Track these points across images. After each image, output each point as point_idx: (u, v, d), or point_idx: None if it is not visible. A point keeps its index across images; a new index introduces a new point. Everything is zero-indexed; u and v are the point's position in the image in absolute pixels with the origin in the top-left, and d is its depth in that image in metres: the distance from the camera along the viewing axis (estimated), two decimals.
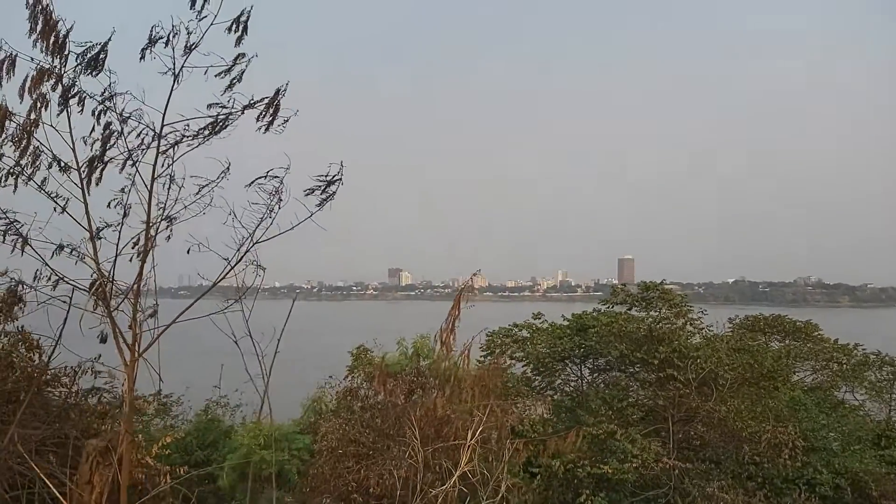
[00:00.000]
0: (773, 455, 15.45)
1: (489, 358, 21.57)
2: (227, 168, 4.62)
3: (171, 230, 4.73)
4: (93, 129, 4.30)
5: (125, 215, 4.62)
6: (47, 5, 4.02)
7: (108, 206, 4.54)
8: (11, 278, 6.94)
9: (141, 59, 4.21)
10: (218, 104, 4.46)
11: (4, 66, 4.01)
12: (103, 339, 7.60)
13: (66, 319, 7.14)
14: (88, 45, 4.13)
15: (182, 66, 4.25)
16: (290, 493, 13.26)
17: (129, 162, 4.45)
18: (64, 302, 5.47)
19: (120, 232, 4.61)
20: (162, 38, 4.15)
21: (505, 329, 22.20)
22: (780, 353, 21.36)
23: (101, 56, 4.24)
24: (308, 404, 17.12)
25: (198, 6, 4.09)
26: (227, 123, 4.52)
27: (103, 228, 4.60)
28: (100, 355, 10.11)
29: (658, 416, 18.23)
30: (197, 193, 4.63)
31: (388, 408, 10.45)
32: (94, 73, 4.26)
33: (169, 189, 4.61)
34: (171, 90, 4.29)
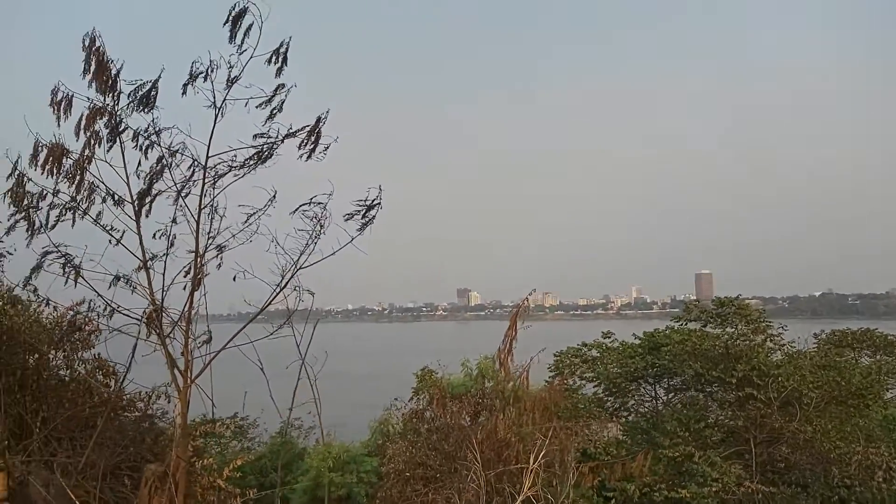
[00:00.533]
0: (865, 477, 14.47)
1: (556, 378, 21.18)
2: (274, 196, 4.71)
3: (220, 258, 4.86)
4: (139, 164, 4.48)
5: (171, 245, 4.77)
6: (100, 47, 4.22)
7: (154, 237, 4.71)
8: (90, 308, 7.30)
9: (183, 94, 4.36)
10: (264, 135, 4.57)
11: (62, 107, 4.23)
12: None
13: (135, 347, 7.42)
14: (138, 82, 4.32)
15: (224, 99, 4.39)
16: None
17: (180, 193, 4.59)
18: (118, 331, 5.71)
19: (165, 262, 4.75)
20: (202, 72, 4.29)
21: (574, 349, 21.74)
22: (871, 369, 20.00)
23: (153, 93, 4.42)
24: (375, 426, 17.19)
25: (237, 40, 4.22)
26: (271, 153, 4.62)
27: (153, 259, 4.75)
28: (171, 382, 10.46)
29: (739, 438, 17.38)
30: (245, 222, 4.73)
31: (451, 430, 10.33)
32: (146, 110, 4.45)
33: (212, 219, 4.73)
34: (215, 123, 4.42)
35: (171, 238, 4.72)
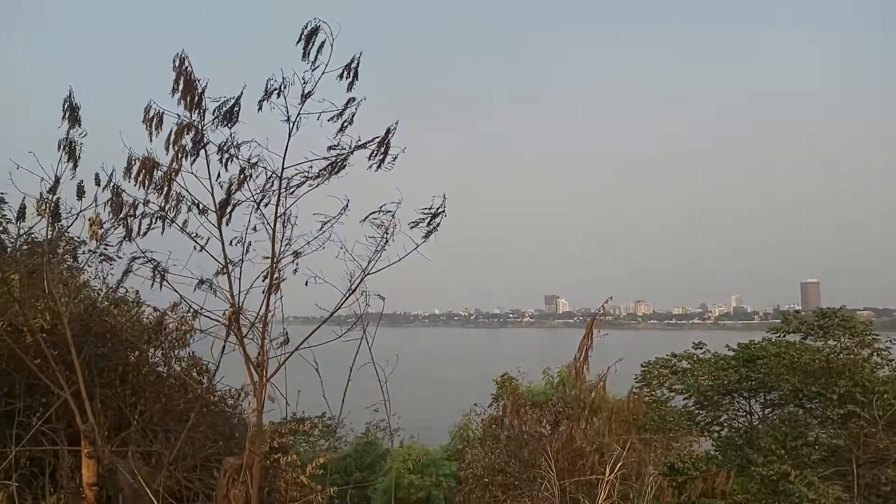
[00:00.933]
0: None
1: (644, 390, 20.61)
2: (346, 205, 4.89)
3: (297, 264, 5.10)
4: (219, 175, 4.77)
5: (246, 251, 5.05)
6: (187, 68, 4.54)
7: (231, 243, 4.98)
8: (189, 309, 7.83)
9: (259, 109, 4.61)
10: (337, 146, 4.76)
11: (154, 123, 4.58)
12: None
13: (224, 347, 7.85)
14: (222, 99, 4.62)
15: (298, 114, 4.61)
16: None
17: (259, 203, 4.86)
18: (203, 332, 6.10)
19: (241, 267, 5.03)
20: (276, 89, 4.53)
21: (663, 359, 21.10)
22: None
23: (235, 109, 4.71)
24: (455, 431, 17.31)
25: (311, 57, 4.43)
26: (344, 164, 4.81)
27: (234, 264, 5.04)
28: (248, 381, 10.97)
29: (841, 458, 16.38)
30: (320, 229, 4.94)
31: (527, 438, 10.30)
32: (230, 126, 4.74)
33: (285, 226, 4.96)
34: (290, 136, 4.65)
35: (246, 245, 4.99)
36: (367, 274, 4.97)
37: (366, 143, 4.74)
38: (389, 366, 5.84)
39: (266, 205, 4.90)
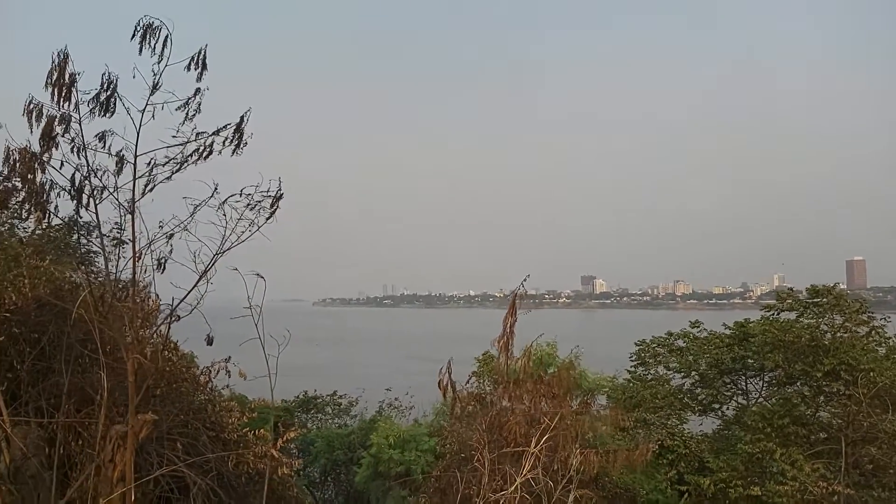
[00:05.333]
0: None
1: (640, 369, 20.66)
2: (216, 189, 5.21)
3: (171, 245, 5.42)
4: (88, 164, 5.11)
5: (115, 235, 5.44)
6: (62, 62, 4.88)
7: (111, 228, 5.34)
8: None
9: (105, 105, 4.92)
10: (205, 132, 5.08)
11: (34, 115, 4.94)
12: (210, 342, 8.76)
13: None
14: (93, 91, 4.95)
15: (146, 104, 4.91)
16: (414, 492, 13.83)
17: (111, 189, 5.20)
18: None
19: (119, 249, 5.41)
20: (109, 81, 4.83)
21: (659, 338, 21.07)
22: None
23: (113, 100, 5.05)
24: (438, 408, 17.69)
25: (157, 51, 4.74)
26: (209, 151, 5.12)
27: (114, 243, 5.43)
28: (229, 357, 11.48)
29: (833, 437, 16.24)
30: (191, 214, 5.26)
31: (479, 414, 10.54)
32: (108, 115, 5.08)
33: (132, 212, 5.29)
34: (140, 125, 4.96)
35: (115, 227, 5.36)
36: (220, 255, 5.30)
37: (219, 129, 5.04)
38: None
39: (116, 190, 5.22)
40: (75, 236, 7.63)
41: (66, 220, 5.64)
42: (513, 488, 7.97)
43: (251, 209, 5.23)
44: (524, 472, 8.06)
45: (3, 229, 10.39)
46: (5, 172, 5.05)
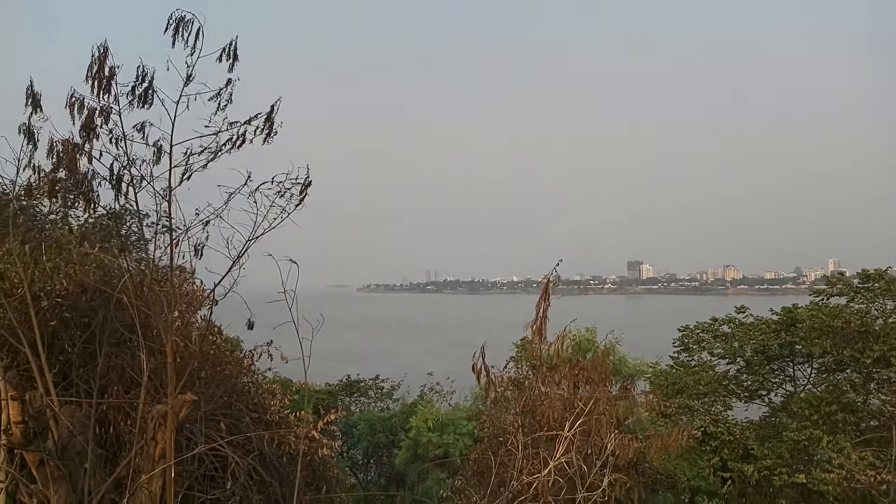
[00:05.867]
0: None
1: (683, 355, 20.38)
2: (249, 177, 5.34)
3: (207, 232, 5.59)
4: (126, 153, 5.29)
5: (155, 223, 5.64)
6: (102, 56, 5.07)
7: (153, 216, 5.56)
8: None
9: (143, 97, 5.08)
10: (238, 122, 5.22)
11: (75, 108, 5.15)
12: (251, 326, 9.02)
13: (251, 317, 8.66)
14: (131, 84, 5.13)
15: (181, 95, 5.05)
16: (452, 475, 13.98)
17: (146, 178, 5.38)
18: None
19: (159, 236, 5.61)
20: (143, 74, 4.99)
21: (704, 324, 20.71)
22: None
23: (150, 92, 5.22)
24: (477, 392, 17.78)
25: (190, 44, 4.87)
26: (242, 140, 5.25)
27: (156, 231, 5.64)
28: (271, 341, 11.80)
29: (884, 426, 15.78)
30: (226, 201, 5.41)
31: (516, 399, 10.60)
32: (147, 107, 5.26)
33: (170, 200, 5.45)
34: (175, 116, 5.10)
35: (158, 216, 5.55)
36: (252, 241, 5.45)
37: (250, 118, 5.17)
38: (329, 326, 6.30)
39: (153, 179, 5.40)
40: (121, 224, 7.91)
41: (110, 209, 5.88)
42: (546, 471, 8.01)
43: (281, 196, 5.37)
44: (557, 456, 8.09)
45: (56, 217, 10.81)
46: (51, 163, 5.29)
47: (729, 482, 16.48)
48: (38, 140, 5.90)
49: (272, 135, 5.22)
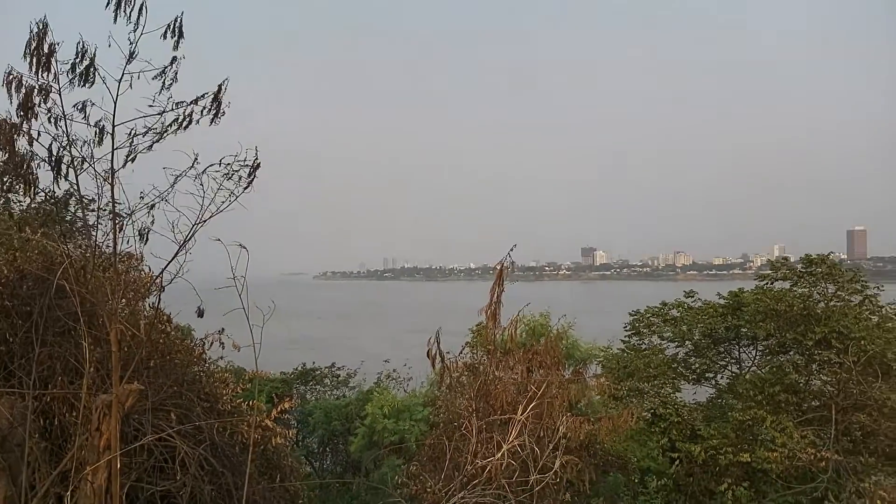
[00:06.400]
0: None
1: (634, 339, 20.81)
2: (196, 158, 5.21)
3: (152, 216, 5.46)
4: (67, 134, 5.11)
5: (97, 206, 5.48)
6: (41, 32, 4.86)
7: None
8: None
9: (84, 75, 4.90)
10: (184, 102, 5.09)
11: (13, 86, 4.94)
12: (200, 314, 8.85)
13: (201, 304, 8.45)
14: (76, 60, 4.93)
15: (123, 73, 4.90)
16: (408, 461, 14.03)
17: (87, 159, 5.20)
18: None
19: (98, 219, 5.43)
20: (83, 50, 4.83)
21: (654, 308, 21.17)
22: None
23: (92, 70, 5.04)
24: (433, 378, 17.85)
25: (133, 19, 4.72)
26: (188, 121, 5.13)
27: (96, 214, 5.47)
28: (223, 329, 11.60)
29: (824, 405, 16.43)
30: (171, 184, 5.28)
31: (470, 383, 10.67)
32: (88, 86, 5.08)
33: (112, 182, 5.31)
34: (117, 95, 4.95)
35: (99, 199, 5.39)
36: (199, 224, 5.33)
37: (196, 98, 5.05)
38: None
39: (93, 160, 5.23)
40: (65, 208, 7.64)
41: (51, 192, 5.68)
42: (499, 455, 8.10)
43: (228, 179, 5.25)
44: (511, 440, 8.18)
45: None
46: None
47: (677, 462, 16.93)
48: None
49: (219, 115, 5.11)
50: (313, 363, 26.11)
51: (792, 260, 20.17)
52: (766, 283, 18.62)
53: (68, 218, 8.24)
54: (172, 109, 5.04)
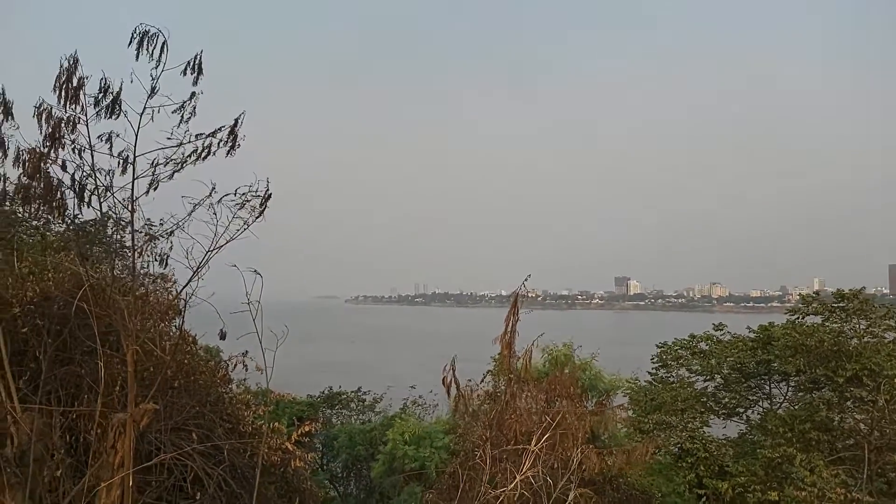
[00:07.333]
0: None
1: (661, 371, 20.51)
2: (213, 188, 5.43)
3: (171, 242, 5.68)
4: (92, 164, 5.37)
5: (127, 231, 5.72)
6: (72, 67, 5.16)
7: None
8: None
9: (111, 108, 5.16)
10: (202, 134, 5.31)
11: (43, 117, 5.23)
12: (223, 336, 9.05)
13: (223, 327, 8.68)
14: (99, 95, 5.21)
15: (144, 108, 5.14)
16: (428, 489, 13.98)
17: (109, 188, 5.44)
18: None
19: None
20: (106, 87, 5.08)
21: (682, 341, 20.87)
22: None
23: (117, 103, 5.30)
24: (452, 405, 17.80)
25: (155, 57, 4.96)
26: (207, 152, 5.34)
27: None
28: (246, 352, 11.81)
29: (857, 444, 15.95)
30: (189, 212, 5.50)
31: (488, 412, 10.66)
32: (115, 118, 5.35)
33: (133, 210, 5.52)
34: (138, 127, 5.19)
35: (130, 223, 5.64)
36: (213, 252, 5.51)
37: (214, 131, 5.27)
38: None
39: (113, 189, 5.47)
40: (101, 233, 7.93)
41: (79, 218, 5.94)
42: (512, 486, 8.07)
43: (241, 208, 5.45)
44: (524, 470, 8.15)
45: (38, 224, 10.81)
46: (20, 172, 5.36)
47: (703, 499, 16.55)
48: (8, 147, 5.96)
49: (236, 147, 5.32)
50: (339, 387, 26.24)
51: (819, 293, 19.77)
52: (797, 318, 18.26)
53: (105, 241, 8.57)
54: (191, 141, 5.29)
